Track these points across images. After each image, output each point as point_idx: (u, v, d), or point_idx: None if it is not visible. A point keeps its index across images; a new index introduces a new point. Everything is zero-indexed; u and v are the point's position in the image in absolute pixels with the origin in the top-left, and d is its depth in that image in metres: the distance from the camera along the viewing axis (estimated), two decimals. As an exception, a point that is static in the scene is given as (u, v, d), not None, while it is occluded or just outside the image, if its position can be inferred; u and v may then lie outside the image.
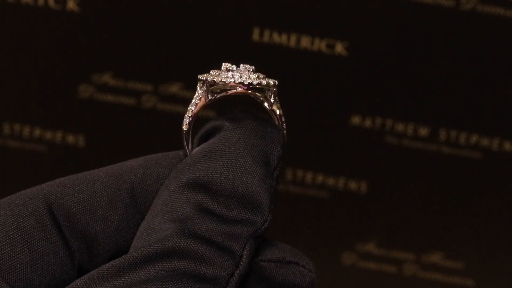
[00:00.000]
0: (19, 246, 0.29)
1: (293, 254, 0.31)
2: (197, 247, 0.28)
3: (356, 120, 0.66)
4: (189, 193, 0.29)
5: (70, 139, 0.68)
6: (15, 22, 0.64)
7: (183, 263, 0.28)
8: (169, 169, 0.31)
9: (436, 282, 0.71)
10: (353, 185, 0.68)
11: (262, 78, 0.32)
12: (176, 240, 0.28)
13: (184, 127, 0.32)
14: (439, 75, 0.65)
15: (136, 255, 0.28)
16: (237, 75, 0.32)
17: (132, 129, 0.67)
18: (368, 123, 0.66)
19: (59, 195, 0.31)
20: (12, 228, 0.30)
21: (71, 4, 0.63)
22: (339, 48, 0.64)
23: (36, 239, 0.30)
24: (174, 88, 0.66)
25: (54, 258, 0.30)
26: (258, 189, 0.30)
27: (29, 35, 0.64)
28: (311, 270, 0.31)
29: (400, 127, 0.66)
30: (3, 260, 0.29)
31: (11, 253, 0.29)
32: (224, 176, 0.30)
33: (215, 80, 0.32)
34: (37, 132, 0.67)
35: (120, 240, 0.31)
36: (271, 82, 0.32)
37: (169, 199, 0.30)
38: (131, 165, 0.32)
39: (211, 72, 0.32)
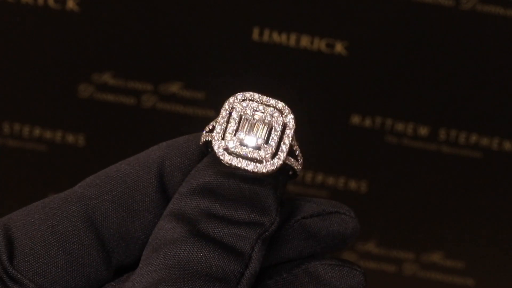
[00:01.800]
0: (54, 249, 0.29)
1: (331, 205, 0.32)
2: (206, 248, 0.28)
3: (356, 119, 0.66)
4: (198, 198, 0.29)
5: (70, 138, 0.68)
6: (15, 22, 0.64)
7: (193, 264, 0.28)
8: (194, 161, 0.31)
9: (436, 281, 0.71)
10: (353, 184, 0.68)
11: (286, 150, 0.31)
12: (185, 241, 0.28)
13: (202, 140, 0.31)
14: (439, 75, 0.65)
15: (147, 259, 0.28)
16: (255, 154, 0.30)
17: (132, 129, 0.67)
18: (368, 122, 0.66)
19: (93, 196, 0.31)
20: (47, 232, 0.30)
21: (71, 4, 0.63)
22: (339, 47, 0.64)
23: (70, 242, 0.30)
24: (174, 88, 0.66)
25: (88, 260, 0.30)
26: (264, 192, 0.30)
27: (29, 35, 0.64)
28: (352, 216, 0.32)
29: (400, 126, 0.66)
30: (39, 264, 0.29)
31: (46, 257, 0.29)
32: (231, 181, 0.30)
33: (228, 163, 0.30)
34: (37, 131, 0.67)
35: None
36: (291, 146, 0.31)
37: (180, 203, 0.30)
38: (156, 155, 0.32)
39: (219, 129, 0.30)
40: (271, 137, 0.30)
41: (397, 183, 0.68)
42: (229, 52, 0.64)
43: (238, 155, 0.30)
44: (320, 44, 0.64)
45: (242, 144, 0.30)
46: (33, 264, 0.29)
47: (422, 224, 0.69)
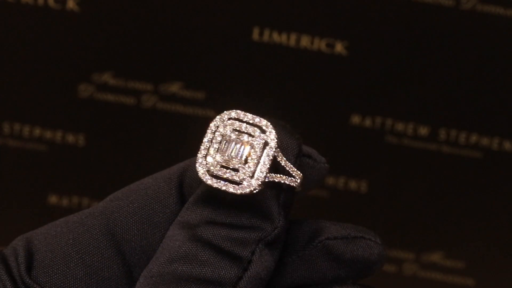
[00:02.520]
0: (73, 262, 0.30)
1: (357, 230, 0.32)
2: (201, 252, 0.28)
3: (356, 120, 0.66)
4: (202, 206, 0.30)
5: (70, 138, 0.68)
6: (15, 22, 0.64)
7: (188, 267, 0.28)
8: None
9: (436, 281, 0.71)
10: (353, 185, 0.68)
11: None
12: (180, 247, 0.28)
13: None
14: (439, 75, 0.65)
15: (148, 268, 0.29)
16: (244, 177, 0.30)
17: (132, 129, 0.67)
18: (368, 123, 0.66)
19: (114, 210, 0.31)
20: (68, 244, 0.30)
21: (71, 4, 0.63)
22: (339, 47, 0.64)
23: (90, 254, 0.30)
24: (174, 88, 0.66)
25: (108, 273, 0.30)
26: (266, 199, 0.30)
27: (29, 35, 0.64)
28: (378, 242, 0.32)
29: (400, 126, 0.66)
30: (57, 275, 0.29)
31: (65, 268, 0.29)
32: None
33: (210, 185, 0.30)
34: (37, 131, 0.67)
35: None
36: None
37: (186, 212, 0.30)
38: (178, 167, 0.32)
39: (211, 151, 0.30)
40: (250, 157, 0.30)
41: (397, 183, 0.68)
42: (229, 52, 0.64)
43: (219, 177, 0.30)
44: (320, 44, 0.64)
45: (222, 166, 0.30)
46: (51, 275, 0.29)
47: (422, 224, 0.69)
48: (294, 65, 0.65)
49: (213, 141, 0.30)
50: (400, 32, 0.63)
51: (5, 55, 0.65)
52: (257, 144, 0.30)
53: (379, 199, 0.69)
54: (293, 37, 0.64)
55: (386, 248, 0.31)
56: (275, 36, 0.64)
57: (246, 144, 0.30)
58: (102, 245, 0.30)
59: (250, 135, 0.30)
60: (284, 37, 0.64)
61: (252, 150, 0.30)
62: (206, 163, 0.30)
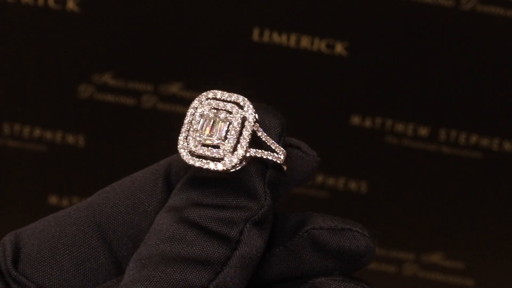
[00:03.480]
0: (60, 253, 0.30)
1: (345, 222, 0.31)
2: (189, 232, 0.28)
3: (356, 120, 0.66)
4: (188, 189, 0.30)
5: (70, 139, 0.68)
6: (15, 22, 0.64)
7: (175, 247, 0.28)
8: None
9: (436, 282, 0.71)
10: (353, 185, 0.68)
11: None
12: (167, 229, 0.28)
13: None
14: (439, 75, 0.65)
15: (136, 253, 0.29)
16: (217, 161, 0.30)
17: (132, 129, 0.67)
18: (368, 123, 0.66)
19: (100, 201, 0.31)
20: (55, 237, 0.30)
21: (71, 4, 0.63)
22: (339, 48, 0.64)
23: (77, 246, 0.30)
24: (174, 88, 0.66)
25: (96, 264, 0.30)
26: (251, 179, 0.30)
27: (29, 35, 0.64)
28: (366, 234, 0.31)
29: (400, 127, 0.66)
30: (44, 267, 0.30)
31: (51, 260, 0.30)
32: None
33: (191, 164, 0.30)
34: (37, 132, 0.67)
35: None
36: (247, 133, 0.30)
37: (172, 197, 0.30)
38: (165, 160, 0.32)
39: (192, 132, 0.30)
40: (229, 133, 0.30)
41: (397, 184, 0.68)
42: (229, 52, 0.64)
43: (200, 156, 0.30)
44: (320, 44, 0.64)
45: (203, 145, 0.30)
46: (38, 267, 0.30)
47: (422, 225, 0.69)
48: (294, 66, 0.65)
49: (193, 121, 0.30)
50: (400, 33, 0.63)
51: (5, 55, 0.65)
52: (235, 120, 0.30)
53: (379, 199, 0.69)
54: (293, 38, 0.64)
55: (375, 241, 0.31)
56: (275, 37, 0.64)
57: (224, 121, 0.30)
58: (88, 236, 0.30)
59: (228, 111, 0.30)
60: (284, 38, 0.64)
61: (231, 126, 0.30)
62: (187, 144, 0.30)
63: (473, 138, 0.66)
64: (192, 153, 0.30)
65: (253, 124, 0.30)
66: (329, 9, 0.63)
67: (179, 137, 0.30)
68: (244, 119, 0.30)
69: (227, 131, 0.30)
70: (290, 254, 0.31)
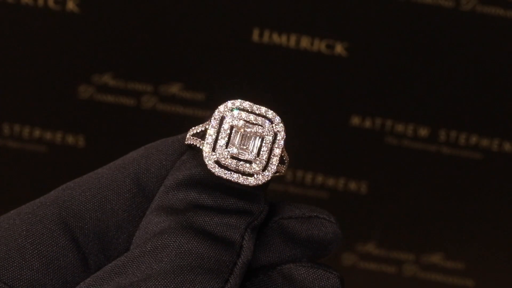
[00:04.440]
0: (28, 252, 0.29)
1: (312, 210, 0.32)
2: (195, 239, 0.28)
3: (356, 120, 0.66)
4: (185, 189, 0.30)
5: (70, 139, 0.68)
6: (15, 22, 0.64)
7: (182, 256, 0.28)
8: (171, 155, 0.32)
9: (436, 282, 0.71)
10: (353, 185, 0.68)
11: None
12: (174, 233, 0.28)
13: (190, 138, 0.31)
14: (439, 75, 0.65)
15: (136, 252, 0.28)
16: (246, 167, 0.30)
17: (132, 129, 0.67)
18: (368, 123, 0.66)
19: (66, 198, 0.31)
20: (21, 236, 0.30)
21: (71, 5, 0.63)
22: (339, 48, 0.64)
23: (45, 244, 0.30)
24: (174, 89, 0.66)
25: (64, 262, 0.30)
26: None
27: (29, 35, 0.64)
28: (333, 221, 0.32)
29: (400, 127, 0.66)
30: (13, 267, 0.29)
31: (20, 260, 0.29)
32: None
33: (219, 175, 0.30)
34: (37, 132, 0.67)
35: (133, 230, 0.31)
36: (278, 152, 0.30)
37: (167, 196, 0.30)
38: (133, 156, 0.32)
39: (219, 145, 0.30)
40: (262, 149, 0.30)
41: (397, 184, 0.68)
42: (229, 53, 0.65)
43: (228, 168, 0.30)
44: (320, 45, 0.64)
45: (233, 157, 0.30)
46: (7, 268, 0.29)
47: (422, 225, 0.69)
48: (294, 66, 0.65)
49: (221, 131, 0.30)
50: (400, 33, 0.63)
51: (5, 56, 0.65)
52: (267, 135, 0.30)
53: (379, 200, 0.69)
54: (293, 38, 0.64)
55: (342, 227, 0.32)
56: (275, 37, 0.64)
57: (257, 135, 0.30)
58: (56, 235, 0.30)
59: (260, 126, 0.30)
60: (284, 38, 0.64)
61: (264, 142, 0.30)
62: (215, 154, 0.30)
63: (473, 139, 0.66)
64: (219, 164, 0.30)
65: (283, 141, 0.30)
66: (329, 9, 0.63)
67: (204, 147, 0.30)
68: (275, 135, 0.30)
69: (260, 146, 0.30)
70: (261, 244, 0.31)
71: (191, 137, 0.31)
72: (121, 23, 0.64)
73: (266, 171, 0.30)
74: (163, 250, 0.28)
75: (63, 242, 0.30)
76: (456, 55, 0.64)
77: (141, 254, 0.28)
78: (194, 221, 0.29)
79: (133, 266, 0.28)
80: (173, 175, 0.30)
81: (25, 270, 0.29)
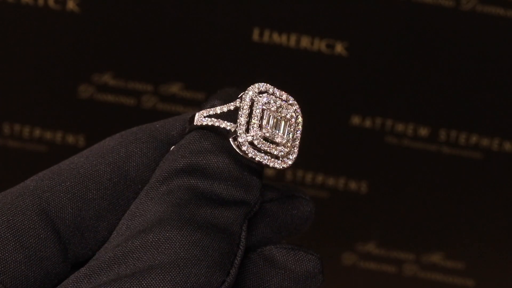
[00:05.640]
0: (11, 244, 0.29)
1: (288, 189, 0.33)
2: (199, 231, 0.28)
3: (356, 120, 0.66)
4: (186, 178, 0.29)
5: (70, 139, 0.68)
6: (15, 22, 0.64)
7: (188, 248, 0.28)
8: (150, 144, 0.32)
9: (436, 282, 0.71)
10: (353, 185, 0.68)
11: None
12: (176, 225, 0.28)
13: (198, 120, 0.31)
14: (439, 75, 0.65)
15: (137, 242, 0.28)
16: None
17: (132, 129, 0.67)
18: (368, 123, 0.66)
19: (46, 189, 0.31)
20: (3, 227, 0.29)
21: (71, 4, 0.63)
22: (339, 48, 0.64)
23: (27, 236, 0.29)
24: (174, 88, 0.66)
25: (46, 253, 0.30)
26: (251, 171, 0.31)
27: (29, 35, 0.64)
28: (307, 198, 0.33)
29: (400, 127, 0.66)
30: None
31: (4, 252, 0.29)
32: (220, 160, 0.30)
33: (252, 157, 0.30)
34: (37, 132, 0.67)
35: (113, 219, 0.31)
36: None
37: (167, 182, 0.30)
38: (110, 145, 0.32)
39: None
40: (288, 134, 0.31)
41: (397, 184, 0.68)
42: (229, 52, 0.64)
43: (260, 150, 0.30)
44: (320, 44, 0.64)
45: (266, 140, 0.30)
46: None
47: (422, 225, 0.69)
48: (294, 66, 0.65)
49: (254, 113, 0.30)
50: (400, 33, 0.63)
51: (5, 56, 0.65)
52: (296, 123, 0.31)
53: (379, 199, 0.68)
54: (293, 38, 0.64)
55: (314, 205, 0.33)
56: (275, 37, 0.64)
57: (288, 121, 0.31)
58: (37, 225, 0.30)
59: (287, 110, 0.31)
60: (284, 38, 0.64)
61: (291, 128, 0.31)
62: (248, 135, 0.30)
63: (473, 139, 0.66)
64: (253, 146, 0.30)
65: (301, 127, 0.31)
66: (329, 9, 0.63)
67: (240, 127, 0.30)
68: (297, 120, 0.32)
69: (288, 132, 0.31)
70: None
71: (210, 119, 0.31)
72: (121, 23, 0.64)
73: (290, 155, 0.31)
74: (166, 242, 0.28)
75: (44, 233, 0.30)
76: (456, 55, 0.64)
77: (142, 245, 0.28)
78: (197, 213, 0.29)
79: (133, 256, 0.28)
80: (174, 161, 0.30)
81: (10, 263, 0.29)
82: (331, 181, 0.68)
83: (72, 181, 0.31)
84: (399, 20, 0.63)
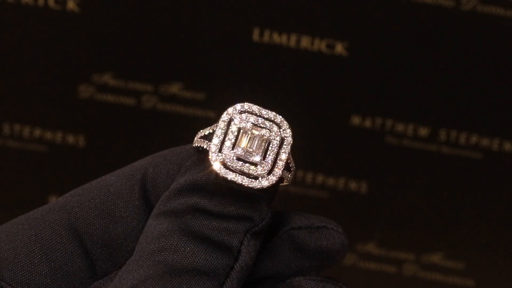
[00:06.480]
0: (37, 257, 0.30)
1: (320, 219, 0.32)
2: (192, 242, 0.28)
3: (356, 120, 0.66)
4: (186, 194, 0.30)
5: (70, 139, 0.68)
6: (15, 22, 0.64)
7: (178, 258, 0.28)
8: (177, 165, 0.32)
9: (436, 282, 0.71)
10: (353, 185, 0.68)
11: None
12: (171, 236, 0.28)
13: (198, 140, 0.31)
14: (439, 75, 0.65)
15: (135, 257, 0.29)
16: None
17: (132, 129, 0.67)
18: (368, 123, 0.66)
19: (75, 204, 0.31)
20: (30, 241, 0.30)
21: (71, 4, 0.63)
22: (339, 48, 0.64)
23: (54, 250, 0.30)
24: (174, 88, 0.66)
25: (72, 267, 0.30)
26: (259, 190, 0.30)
27: (29, 35, 0.64)
28: (340, 231, 0.32)
29: (400, 127, 0.66)
30: (23, 272, 0.29)
31: (29, 265, 0.29)
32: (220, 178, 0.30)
33: (224, 177, 0.30)
34: (37, 132, 0.67)
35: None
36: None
37: (168, 200, 0.30)
38: (140, 164, 0.32)
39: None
40: (268, 153, 0.30)
41: (397, 184, 0.68)
42: (229, 52, 0.64)
43: (234, 170, 0.30)
44: (320, 44, 0.64)
45: (239, 159, 0.30)
46: (16, 272, 0.29)
47: (422, 225, 0.69)
48: (294, 66, 0.65)
49: (228, 133, 0.30)
50: (400, 33, 0.63)
51: (5, 56, 0.65)
52: (276, 140, 0.30)
53: (379, 199, 0.69)
54: (293, 38, 0.64)
55: (348, 237, 0.32)
56: (275, 37, 0.64)
57: (265, 139, 0.30)
58: (64, 240, 0.30)
59: (268, 130, 0.30)
60: (284, 38, 0.64)
61: (271, 146, 0.30)
62: (221, 155, 0.30)
63: (473, 138, 0.66)
64: (225, 165, 0.30)
65: (290, 147, 0.30)
66: (329, 9, 0.63)
67: (211, 147, 0.30)
68: (282, 140, 0.30)
69: (266, 150, 0.30)
70: (269, 254, 0.31)
71: (199, 140, 0.31)
72: (121, 23, 0.64)
73: (271, 175, 0.30)
74: (160, 253, 0.28)
75: (71, 248, 0.30)
76: (457, 55, 0.64)
77: (139, 258, 0.28)
78: (192, 225, 0.29)
79: (129, 268, 0.28)
80: (177, 181, 0.30)
81: (34, 275, 0.29)
82: (331, 181, 0.68)
83: (101, 198, 0.31)
84: (399, 20, 0.63)
